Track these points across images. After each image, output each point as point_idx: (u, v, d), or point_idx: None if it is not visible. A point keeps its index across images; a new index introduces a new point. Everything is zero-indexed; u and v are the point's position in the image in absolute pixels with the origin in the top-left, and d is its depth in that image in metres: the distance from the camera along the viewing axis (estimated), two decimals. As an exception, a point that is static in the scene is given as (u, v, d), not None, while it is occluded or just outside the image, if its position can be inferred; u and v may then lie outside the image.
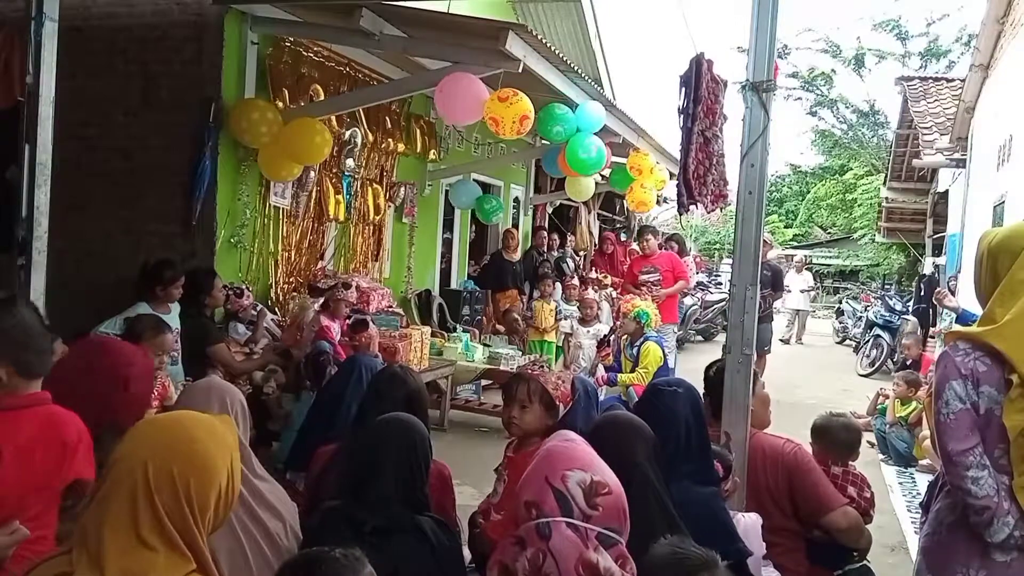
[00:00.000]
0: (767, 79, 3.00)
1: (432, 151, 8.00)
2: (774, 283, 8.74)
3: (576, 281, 9.19)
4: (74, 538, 1.42)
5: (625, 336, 6.16)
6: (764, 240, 3.89)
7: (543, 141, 8.76)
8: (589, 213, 12.65)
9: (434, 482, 2.48)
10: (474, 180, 9.07)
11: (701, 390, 2.95)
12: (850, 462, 3.33)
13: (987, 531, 2.04)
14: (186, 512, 1.40)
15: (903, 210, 15.63)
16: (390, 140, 7.25)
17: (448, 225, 9.39)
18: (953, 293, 7.92)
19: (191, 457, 1.43)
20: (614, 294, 9.00)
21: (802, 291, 15.10)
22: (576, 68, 6.24)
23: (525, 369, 3.00)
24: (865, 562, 3.07)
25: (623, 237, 13.00)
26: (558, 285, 8.93)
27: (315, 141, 5.48)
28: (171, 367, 4.15)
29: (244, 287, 5.47)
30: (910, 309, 12.43)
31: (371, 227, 7.35)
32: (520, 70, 5.23)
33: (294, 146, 5.49)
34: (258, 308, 5.47)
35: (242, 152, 5.62)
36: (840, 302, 18.70)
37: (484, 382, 7.53)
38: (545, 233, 10.77)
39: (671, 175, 9.00)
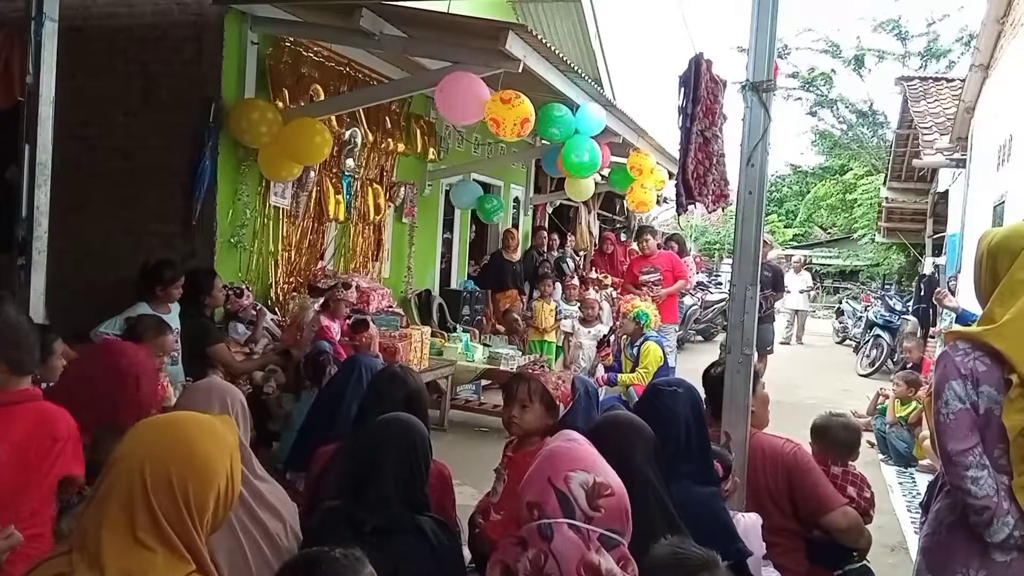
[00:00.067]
0: (767, 79, 3.00)
1: (432, 151, 8.00)
2: (775, 283, 8.74)
3: (576, 281, 9.19)
4: (73, 538, 1.42)
5: (625, 336, 6.16)
6: (764, 240, 3.89)
7: (543, 141, 8.77)
8: (589, 213, 12.65)
9: (434, 482, 2.48)
10: (474, 180, 9.07)
11: (701, 391, 2.95)
12: (850, 462, 3.33)
13: (987, 531, 2.04)
14: (184, 514, 1.40)
15: (903, 210, 15.62)
16: (390, 140, 7.25)
17: (448, 225, 9.39)
18: (953, 293, 7.92)
19: (190, 459, 1.43)
20: (614, 294, 9.00)
21: (801, 291, 15.07)
22: (576, 68, 6.24)
23: (525, 369, 2.99)
24: (865, 562, 3.06)
25: (623, 237, 13.00)
26: (558, 285, 8.93)
27: (315, 141, 5.48)
28: (171, 367, 4.15)
29: (244, 287, 5.47)
30: (910, 309, 12.43)
31: (371, 227, 7.35)
32: (520, 70, 5.23)
33: (294, 146, 5.49)
34: (258, 308, 5.47)
35: (242, 152, 5.62)
36: (840, 302, 18.70)
37: (484, 382, 7.53)
38: (545, 233, 10.76)
39: (670, 175, 9.00)
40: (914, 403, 6.61)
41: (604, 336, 7.05)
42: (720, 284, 17.91)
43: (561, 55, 5.80)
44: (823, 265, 28.46)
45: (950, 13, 29.19)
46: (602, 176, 9.56)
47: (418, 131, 7.73)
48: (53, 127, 3.70)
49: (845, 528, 2.90)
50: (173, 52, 5.50)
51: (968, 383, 2.07)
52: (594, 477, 1.68)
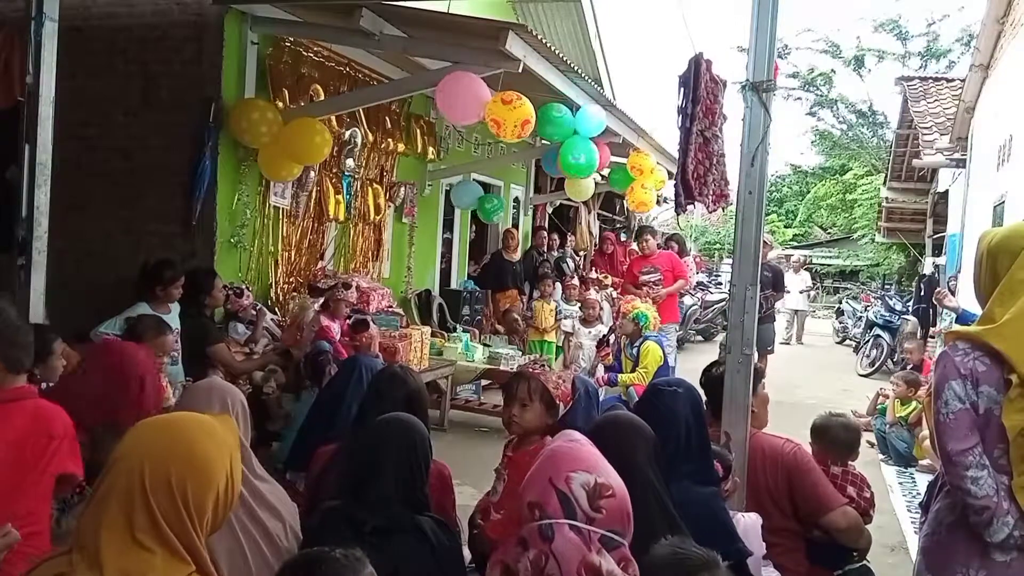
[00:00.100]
0: (767, 79, 3.00)
1: (432, 151, 8.00)
2: (775, 284, 8.74)
3: (576, 281, 9.18)
4: (73, 538, 1.42)
5: (624, 336, 6.17)
6: (764, 240, 3.89)
7: (543, 141, 8.77)
8: (589, 213, 12.65)
9: (434, 482, 2.48)
10: (474, 180, 9.07)
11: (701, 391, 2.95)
12: (850, 462, 3.33)
13: (987, 531, 2.04)
14: (183, 514, 1.40)
15: (903, 210, 15.62)
16: (390, 140, 7.25)
17: (448, 225, 9.39)
18: (953, 293, 7.92)
19: (189, 459, 1.43)
20: (614, 294, 9.00)
21: (801, 291, 15.05)
22: (576, 68, 6.24)
23: (526, 368, 2.99)
24: (865, 562, 3.06)
25: (623, 237, 13.00)
26: (558, 285, 8.93)
27: (315, 141, 5.48)
28: (171, 367, 4.15)
29: (244, 287, 5.47)
30: (910, 309, 12.43)
31: (371, 227, 7.35)
32: (520, 70, 5.23)
33: (294, 146, 5.49)
34: (258, 308, 5.47)
35: (242, 152, 5.62)
36: (840, 302, 18.69)
37: (484, 382, 7.53)
38: (545, 233, 10.76)
39: (670, 175, 9.00)
40: (914, 403, 6.61)
41: (603, 336, 7.05)
42: (720, 284, 17.90)
43: (561, 55, 5.80)
44: (823, 265, 28.46)
45: (950, 13, 29.18)
46: (602, 176, 9.56)
47: (418, 131, 7.73)
48: (53, 127, 3.69)
49: (845, 528, 2.90)
50: (173, 52, 5.50)
51: (968, 383, 2.07)
52: (596, 478, 1.67)
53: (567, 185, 9.30)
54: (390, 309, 6.81)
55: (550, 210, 12.30)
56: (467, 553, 2.63)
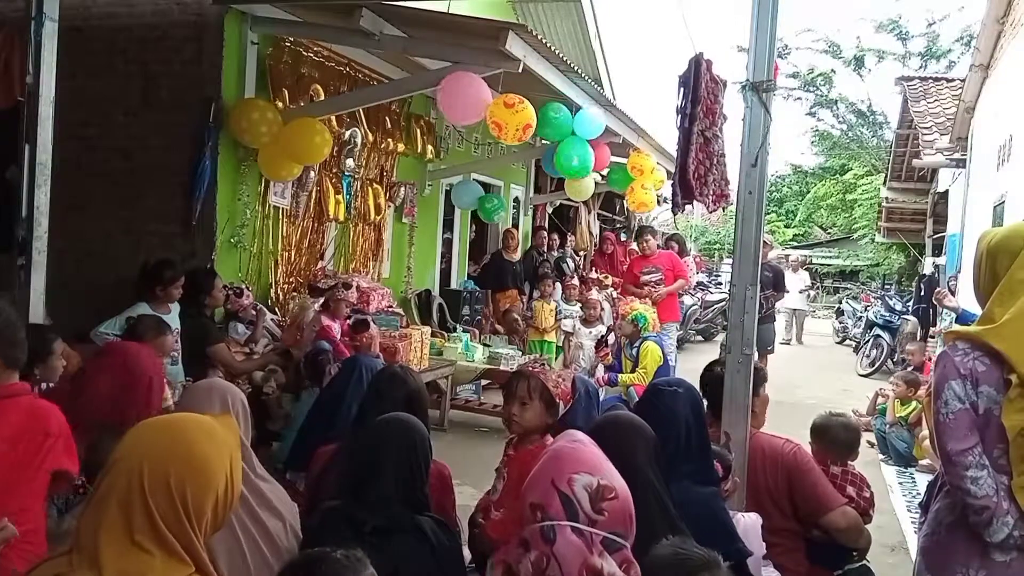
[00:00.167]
0: (767, 79, 3.00)
1: (432, 151, 8.01)
2: (775, 284, 8.74)
3: (576, 281, 9.18)
4: (73, 539, 1.42)
5: (624, 337, 6.17)
6: (764, 240, 3.89)
7: (543, 141, 8.77)
8: (589, 213, 12.65)
9: (434, 482, 2.48)
10: (474, 180, 9.07)
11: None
12: (849, 462, 3.33)
13: (986, 531, 2.04)
14: (182, 516, 1.40)
15: (903, 210, 15.62)
16: (390, 140, 7.25)
17: (448, 225, 9.39)
18: (953, 293, 7.92)
19: (189, 461, 1.42)
20: (615, 294, 9.00)
21: (800, 291, 15.02)
22: (576, 68, 6.24)
23: (526, 367, 2.99)
24: (865, 562, 3.06)
25: (623, 237, 13.00)
26: (558, 285, 8.93)
27: (315, 141, 5.48)
28: (171, 367, 4.15)
29: (244, 287, 5.47)
30: (910, 309, 12.43)
31: (371, 227, 7.35)
32: (520, 70, 5.24)
33: (294, 146, 5.49)
34: (258, 308, 5.47)
35: (242, 152, 5.63)
36: (840, 302, 18.68)
37: (484, 382, 7.53)
38: (545, 233, 10.76)
39: (669, 175, 8.99)
40: (914, 403, 6.61)
41: (602, 337, 7.05)
42: (720, 284, 17.88)
43: (561, 55, 5.80)
44: (823, 265, 28.45)
45: (950, 13, 29.16)
46: (601, 176, 9.56)
47: (418, 131, 7.73)
48: (53, 127, 3.69)
49: (844, 528, 2.90)
50: (173, 52, 5.50)
51: (967, 383, 2.07)
52: (598, 480, 1.67)
53: (567, 185, 9.29)
54: (390, 309, 6.81)
55: (550, 210, 12.30)
56: (467, 553, 2.63)
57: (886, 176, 15.49)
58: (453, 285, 9.45)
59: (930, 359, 8.13)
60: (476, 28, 5.23)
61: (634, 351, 6.01)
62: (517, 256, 9.63)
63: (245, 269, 5.80)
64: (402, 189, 7.70)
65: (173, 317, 4.55)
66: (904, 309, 12.74)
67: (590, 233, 12.57)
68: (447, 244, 9.51)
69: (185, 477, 1.40)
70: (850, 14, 57.15)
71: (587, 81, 6.59)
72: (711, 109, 3.59)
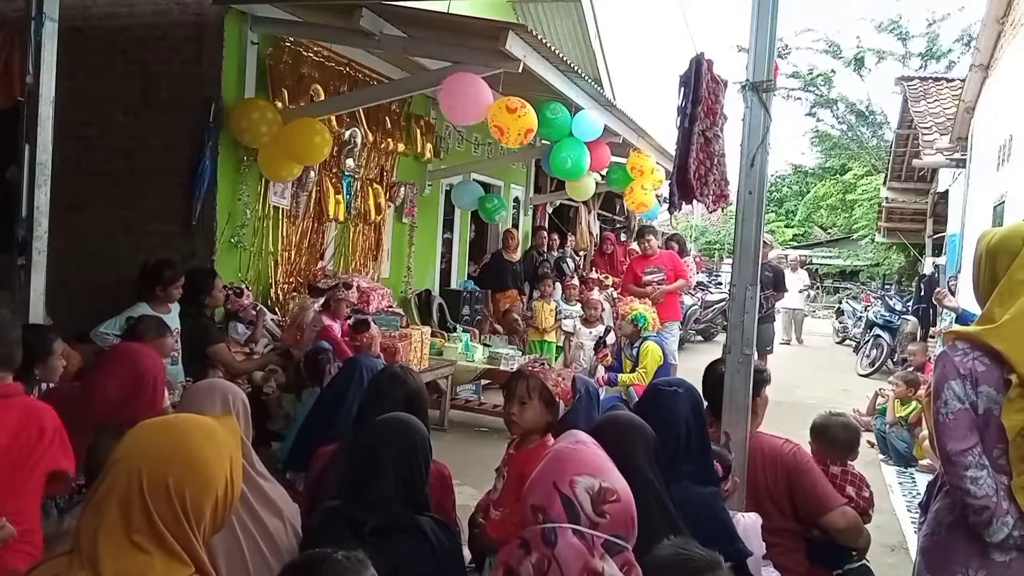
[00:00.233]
0: (767, 79, 3.00)
1: (432, 151, 8.00)
2: (776, 284, 8.73)
3: (576, 281, 9.19)
4: (72, 540, 1.42)
5: (624, 337, 6.18)
6: (764, 240, 3.89)
7: (543, 141, 8.78)
8: (589, 213, 12.65)
9: (434, 482, 2.48)
10: (474, 180, 9.07)
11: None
12: (849, 462, 3.33)
13: (986, 531, 2.04)
14: (181, 518, 1.39)
15: (903, 210, 15.61)
16: (390, 140, 7.25)
17: (448, 225, 9.39)
18: (953, 293, 7.92)
19: (188, 463, 1.42)
20: (615, 294, 9.00)
21: (799, 291, 14.98)
22: (576, 68, 6.25)
23: (526, 367, 2.99)
24: (865, 562, 3.07)
25: (623, 237, 12.99)
26: (558, 285, 8.93)
27: (315, 141, 5.48)
28: (171, 367, 4.15)
29: (244, 287, 5.47)
30: (910, 309, 12.43)
31: (371, 227, 7.36)
32: (520, 70, 5.24)
33: (294, 146, 5.49)
34: (258, 308, 5.48)
35: (242, 152, 5.63)
36: (840, 302, 18.68)
37: (484, 382, 7.53)
38: (545, 233, 10.77)
39: (667, 174, 8.99)
40: (914, 403, 6.61)
41: (600, 338, 7.05)
42: (720, 284, 17.87)
43: (561, 55, 5.81)
44: (823, 265, 28.45)
45: (950, 13, 29.10)
46: (601, 176, 9.57)
47: (418, 131, 7.73)
48: (53, 127, 3.69)
49: (844, 528, 2.90)
50: (173, 52, 5.50)
51: (967, 383, 2.07)
52: (600, 482, 1.66)
53: (567, 185, 9.30)
54: (390, 309, 6.81)
55: (550, 210, 12.31)
56: (467, 553, 2.63)
57: (886, 176, 15.49)
58: (453, 285, 9.45)
59: (931, 359, 8.13)
60: (476, 28, 5.23)
61: (634, 351, 6.01)
62: (517, 256, 9.63)
63: (245, 269, 5.80)
64: (402, 189, 7.70)
65: (173, 317, 4.55)
66: (904, 309, 12.74)
67: (590, 233, 12.57)
68: (447, 244, 9.51)
69: (185, 479, 1.40)
70: (850, 14, 57.20)
71: (587, 81, 6.59)
72: (712, 109, 3.59)
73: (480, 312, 8.99)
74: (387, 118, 7.20)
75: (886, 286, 20.60)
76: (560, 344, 8.21)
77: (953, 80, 13.21)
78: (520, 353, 7.37)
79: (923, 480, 5.94)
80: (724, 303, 13.06)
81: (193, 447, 1.44)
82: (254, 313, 5.41)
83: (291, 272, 6.33)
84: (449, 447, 5.83)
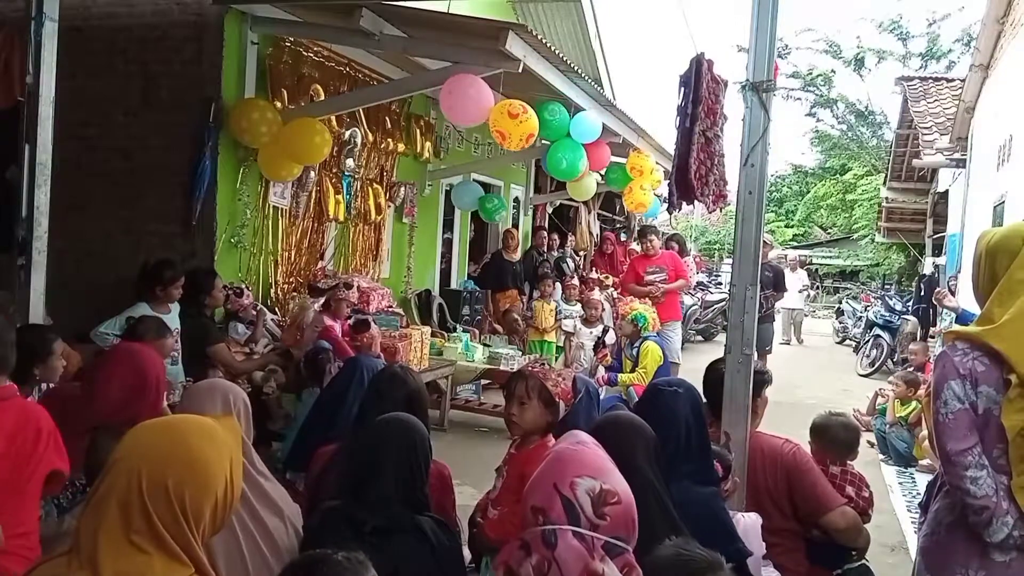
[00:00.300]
0: (767, 79, 3.00)
1: (431, 149, 8.00)
2: (775, 284, 8.72)
3: (576, 281, 9.18)
4: (72, 540, 1.42)
5: (624, 337, 6.18)
6: (764, 240, 3.89)
7: (543, 141, 8.78)
8: (589, 213, 12.65)
9: (434, 482, 2.48)
10: (474, 180, 9.07)
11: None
12: (849, 461, 3.33)
13: (986, 531, 2.04)
14: (180, 519, 1.39)
15: (903, 210, 15.61)
16: (390, 140, 7.26)
17: (448, 225, 9.39)
18: (953, 293, 7.92)
19: (188, 464, 1.42)
20: (615, 294, 9.00)
21: (799, 291, 14.96)
22: (576, 68, 6.25)
23: (526, 367, 2.98)
24: (864, 561, 3.07)
25: (623, 237, 12.99)
26: (558, 285, 8.93)
27: (315, 141, 5.48)
28: (171, 367, 4.15)
29: (244, 287, 5.47)
30: (910, 309, 12.43)
31: (371, 227, 7.36)
32: (520, 70, 5.24)
33: (294, 146, 5.49)
34: (258, 308, 5.48)
35: (242, 152, 5.63)
36: (840, 302, 18.67)
37: (484, 382, 7.53)
38: (545, 233, 10.77)
39: (667, 174, 8.99)
40: (914, 403, 6.61)
41: (599, 339, 7.05)
42: (720, 284, 17.87)
43: (561, 55, 5.81)
44: (823, 265, 28.45)
45: (950, 13, 29.09)
46: (601, 176, 9.57)
47: (418, 131, 7.73)
48: (53, 127, 3.70)
49: (844, 528, 2.90)
50: (173, 52, 5.50)
51: (967, 383, 2.07)
52: (600, 484, 1.66)
53: (569, 185, 9.30)
54: (390, 309, 6.81)
55: (550, 210, 12.31)
56: (467, 553, 2.63)
57: (886, 176, 15.49)
58: (453, 285, 9.45)
59: (931, 359, 8.13)
60: (476, 28, 5.23)
61: (634, 351, 6.02)
62: (517, 256, 9.63)
63: (245, 269, 5.80)
64: (402, 189, 7.70)
65: (173, 317, 4.55)
66: (904, 309, 12.74)
67: (590, 233, 12.57)
68: (447, 244, 9.51)
69: (184, 480, 1.40)
70: (850, 14, 57.20)
71: (587, 81, 6.59)
72: (712, 109, 3.59)
73: (480, 312, 8.98)
74: (387, 118, 7.20)
75: (886, 286, 20.60)
76: (560, 344, 8.21)
77: (953, 80, 13.21)
78: (520, 353, 7.37)
79: (923, 480, 5.94)
80: (724, 303, 13.06)
81: (193, 448, 1.44)
82: (254, 313, 5.41)
83: (291, 272, 6.33)
84: (449, 447, 5.83)
